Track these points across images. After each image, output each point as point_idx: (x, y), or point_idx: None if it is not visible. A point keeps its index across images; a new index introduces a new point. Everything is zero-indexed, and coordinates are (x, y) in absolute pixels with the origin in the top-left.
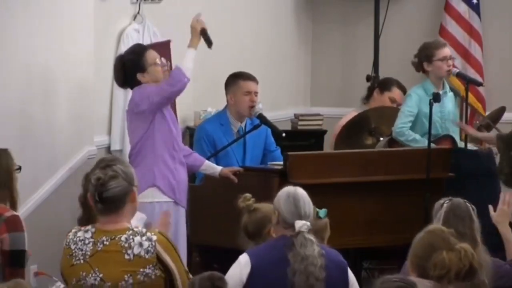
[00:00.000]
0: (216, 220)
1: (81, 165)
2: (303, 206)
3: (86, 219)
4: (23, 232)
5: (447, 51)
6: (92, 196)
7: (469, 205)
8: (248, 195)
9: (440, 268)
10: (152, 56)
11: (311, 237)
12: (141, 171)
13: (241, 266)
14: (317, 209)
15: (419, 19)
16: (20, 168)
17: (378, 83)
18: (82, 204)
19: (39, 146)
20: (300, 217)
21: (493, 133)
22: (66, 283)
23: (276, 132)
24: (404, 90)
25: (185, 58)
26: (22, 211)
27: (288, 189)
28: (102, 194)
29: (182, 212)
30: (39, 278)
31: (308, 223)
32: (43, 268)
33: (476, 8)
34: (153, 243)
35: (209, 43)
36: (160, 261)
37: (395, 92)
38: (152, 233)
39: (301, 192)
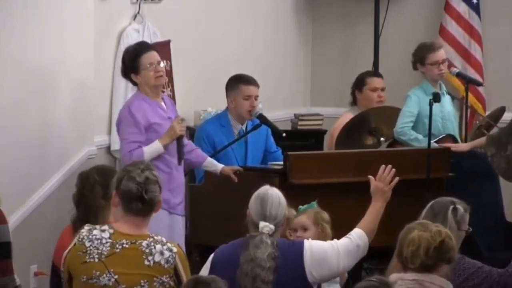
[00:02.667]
0: (216, 220)
1: (81, 165)
2: (269, 208)
3: (80, 220)
4: (7, 225)
5: (440, 55)
6: (130, 196)
7: (452, 206)
8: None
9: (412, 245)
10: (148, 59)
11: (268, 240)
12: None
13: (207, 263)
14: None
15: (419, 19)
16: None
17: (353, 85)
18: (77, 203)
19: (39, 146)
20: (265, 218)
21: (482, 139)
22: (70, 277)
23: (276, 132)
24: (379, 75)
25: (151, 148)
26: (23, 211)
27: (261, 189)
28: (145, 194)
29: (177, 220)
30: (39, 278)
31: (271, 226)
32: (43, 268)
33: (476, 8)
34: (174, 255)
35: (180, 155)
36: (176, 274)
37: (373, 82)
38: (172, 245)
39: (272, 193)
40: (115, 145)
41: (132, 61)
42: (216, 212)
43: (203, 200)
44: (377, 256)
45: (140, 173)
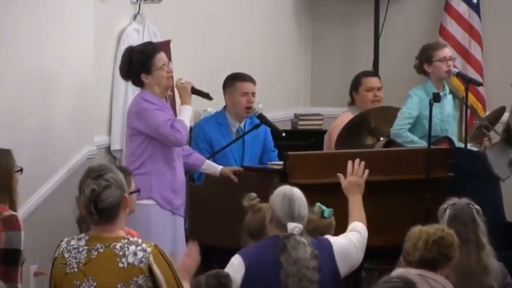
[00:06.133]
0: (216, 220)
1: (81, 165)
2: (297, 208)
3: (84, 219)
4: (19, 232)
5: (446, 51)
6: (86, 207)
7: (473, 207)
8: (253, 194)
9: (413, 237)
10: (161, 60)
11: (303, 239)
12: (138, 180)
13: (235, 268)
14: (323, 208)
15: (419, 19)
16: (21, 170)
17: (350, 86)
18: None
19: (39, 146)
20: (293, 219)
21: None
22: None
23: (276, 132)
24: (374, 75)
25: (184, 113)
26: (23, 211)
27: (285, 188)
28: (98, 205)
29: (180, 222)
30: (39, 278)
31: (301, 226)
32: (43, 268)
33: (476, 8)
34: (147, 255)
35: (206, 96)
36: (151, 274)
37: (368, 82)
38: (147, 245)
39: (297, 193)
40: (115, 145)
41: (143, 62)
42: (216, 212)
43: (203, 200)
44: (377, 256)
45: (90, 183)
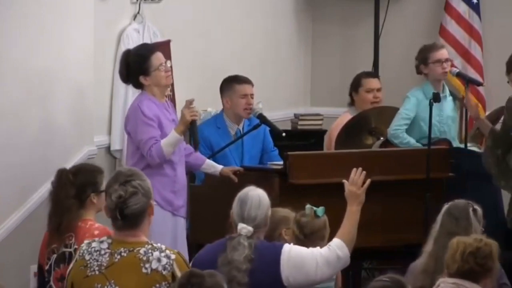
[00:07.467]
0: (216, 220)
1: None
2: (247, 209)
3: (51, 215)
4: None
5: (442, 53)
6: (111, 212)
7: (471, 206)
8: None
9: (451, 249)
10: (158, 60)
11: (245, 241)
12: None
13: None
14: (315, 208)
15: (419, 19)
16: None
17: (350, 86)
18: (50, 199)
19: (39, 146)
20: (243, 220)
21: (489, 125)
22: None
23: (276, 132)
24: (374, 75)
25: (167, 140)
26: (23, 211)
27: (243, 190)
28: (123, 211)
29: (181, 223)
30: None
31: (250, 228)
32: None
33: (476, 8)
34: (171, 261)
35: (195, 141)
36: (174, 281)
37: (368, 83)
38: (171, 252)
39: (253, 194)
40: (115, 145)
41: (140, 63)
42: (216, 212)
43: (203, 200)
44: (377, 256)
45: (117, 188)
